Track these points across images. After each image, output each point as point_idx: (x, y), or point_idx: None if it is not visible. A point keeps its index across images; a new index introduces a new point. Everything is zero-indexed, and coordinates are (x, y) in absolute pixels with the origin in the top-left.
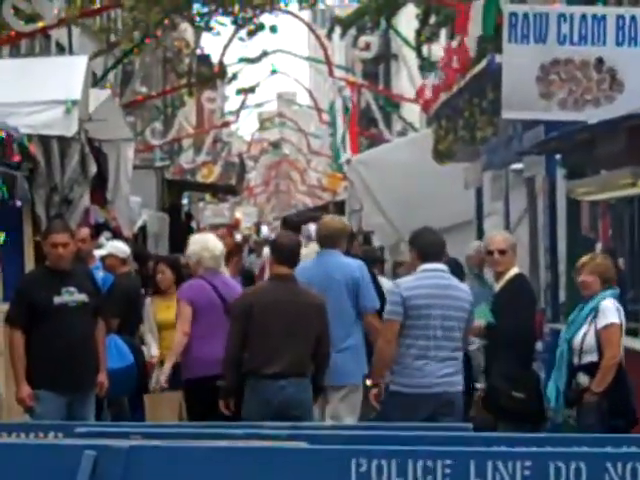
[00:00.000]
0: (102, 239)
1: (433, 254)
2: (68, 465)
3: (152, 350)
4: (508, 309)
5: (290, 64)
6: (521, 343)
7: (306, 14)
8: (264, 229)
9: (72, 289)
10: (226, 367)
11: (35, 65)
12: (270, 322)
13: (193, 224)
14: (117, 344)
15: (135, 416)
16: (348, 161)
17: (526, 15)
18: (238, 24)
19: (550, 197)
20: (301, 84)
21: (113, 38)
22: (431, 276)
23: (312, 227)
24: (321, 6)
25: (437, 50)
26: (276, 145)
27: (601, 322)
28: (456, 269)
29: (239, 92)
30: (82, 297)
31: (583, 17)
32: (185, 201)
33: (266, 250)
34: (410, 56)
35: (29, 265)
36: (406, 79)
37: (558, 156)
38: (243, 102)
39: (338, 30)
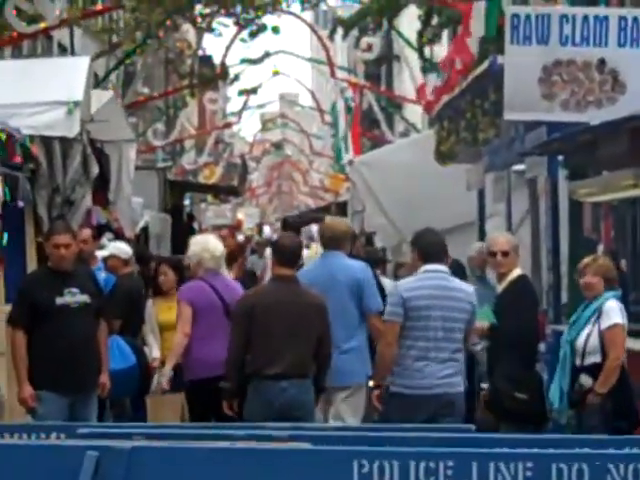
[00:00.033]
0: (104, 240)
1: (434, 255)
2: (70, 466)
3: (153, 352)
4: (511, 310)
5: (292, 65)
6: (524, 344)
7: (308, 15)
8: (266, 230)
9: (74, 290)
10: (229, 368)
11: (37, 66)
12: (272, 323)
13: (195, 225)
14: (119, 345)
15: (137, 417)
16: (350, 162)
17: (528, 16)
18: (240, 25)
19: (552, 198)
20: (303, 85)
21: (115, 39)
22: (432, 277)
23: (314, 228)
24: (323, 7)
25: (439, 51)
26: (278, 146)
27: (605, 323)
28: (458, 270)
29: (241, 93)
30: (84, 298)
31: (585, 18)
32: (187, 202)
33: (268, 251)
34: (412, 57)
35: (31, 266)
36: (408, 80)
37: (560, 157)
38: (245, 103)
39: (340, 31)
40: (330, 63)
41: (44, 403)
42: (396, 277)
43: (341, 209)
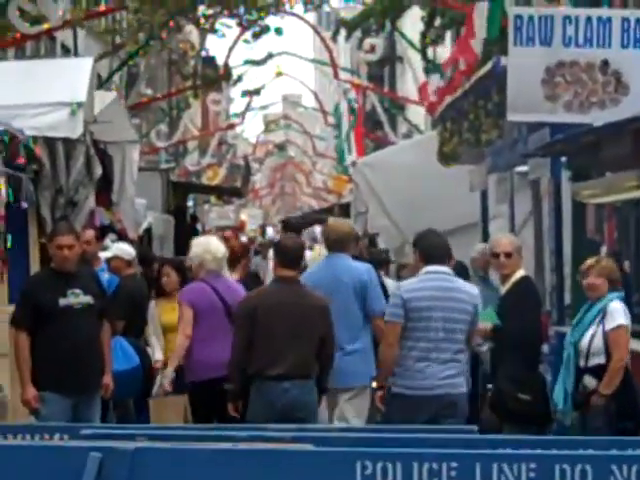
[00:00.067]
0: (107, 241)
1: (436, 256)
2: (73, 467)
3: (156, 354)
4: (514, 312)
5: (295, 66)
6: (527, 345)
7: (311, 16)
8: (269, 231)
9: (77, 291)
10: (232, 370)
11: (40, 67)
12: (274, 324)
13: (198, 226)
14: (123, 346)
15: (140, 418)
16: (353, 163)
17: (531, 17)
18: (243, 26)
19: (555, 199)
20: (306, 86)
21: (118, 40)
22: (433, 278)
23: (317, 229)
24: (326, 8)
25: (442, 52)
26: (281, 147)
27: (609, 324)
28: (461, 271)
29: (244, 94)
30: (87, 299)
31: (588, 19)
32: (190, 203)
33: (271, 252)
34: (415, 58)
35: (34, 267)
36: (411, 81)
37: (563, 158)
38: (248, 104)
39: (343, 32)
40: (333, 64)
41: (47, 404)
42: (399, 278)
43: (344, 210)
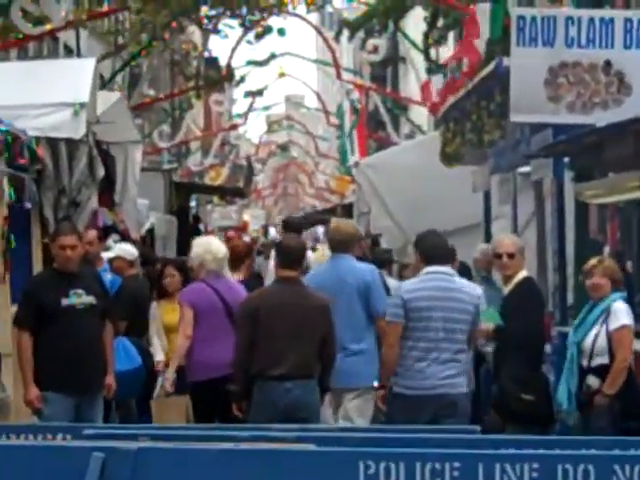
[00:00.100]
0: (110, 241)
1: (437, 257)
2: (76, 467)
3: (157, 356)
4: (517, 312)
5: (298, 67)
6: (530, 346)
7: (314, 17)
8: (272, 231)
9: (80, 291)
10: (235, 370)
11: (43, 67)
12: (276, 324)
13: (201, 227)
14: (125, 346)
15: (143, 418)
16: (356, 164)
17: (534, 18)
18: (246, 27)
19: (558, 200)
20: (309, 87)
21: (121, 41)
22: (433, 278)
23: (320, 230)
24: (329, 9)
25: (445, 53)
26: (284, 148)
27: (613, 324)
28: (464, 272)
29: (247, 95)
30: (90, 299)
31: (591, 20)
32: (193, 204)
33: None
34: (418, 59)
35: (37, 267)
36: (414, 82)
37: (566, 159)
38: (251, 105)
39: (346, 33)
40: (336, 65)
41: (50, 404)
42: (401, 278)
43: (347, 211)
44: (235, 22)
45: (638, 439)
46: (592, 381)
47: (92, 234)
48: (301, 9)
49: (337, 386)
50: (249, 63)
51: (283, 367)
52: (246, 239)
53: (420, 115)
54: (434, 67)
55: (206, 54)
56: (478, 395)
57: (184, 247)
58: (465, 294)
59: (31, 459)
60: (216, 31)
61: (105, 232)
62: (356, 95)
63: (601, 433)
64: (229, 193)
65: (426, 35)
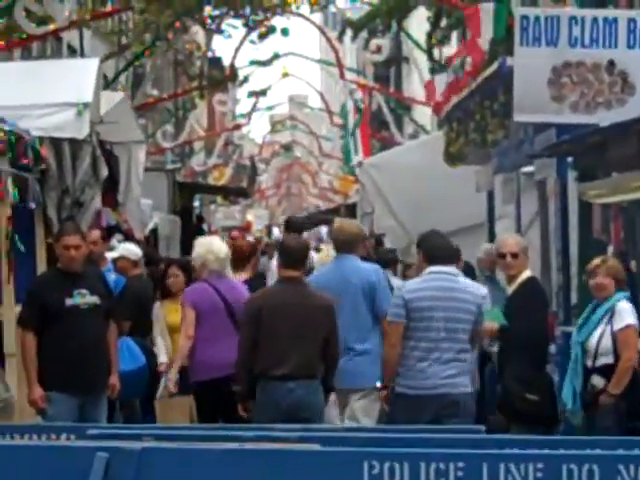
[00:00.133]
0: (114, 241)
1: (439, 257)
2: (80, 467)
3: (161, 357)
4: (521, 312)
5: (301, 67)
6: (534, 346)
7: (317, 17)
8: (275, 231)
9: (84, 291)
10: (239, 370)
11: (46, 67)
12: (279, 324)
13: (204, 227)
14: (129, 346)
15: (147, 418)
16: (359, 164)
17: (537, 18)
18: (249, 27)
19: (562, 200)
20: (312, 87)
21: (124, 41)
22: (435, 278)
23: (323, 230)
24: (332, 9)
25: (448, 53)
26: (287, 148)
27: (618, 324)
28: (468, 272)
29: (250, 95)
30: (94, 299)
31: (594, 20)
32: (196, 204)
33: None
34: (421, 59)
35: (41, 267)
36: (417, 82)
37: (570, 159)
38: (254, 105)
39: (349, 33)
40: (339, 65)
41: (54, 404)
42: (404, 278)
43: (350, 211)
44: (238, 22)
45: None
46: (597, 381)
47: (96, 234)
48: (304, 9)
49: (343, 387)
50: (252, 63)
51: (286, 367)
52: (250, 239)
53: (423, 115)
54: (437, 67)
55: (209, 54)
56: (483, 395)
57: (188, 247)
58: (468, 294)
59: (35, 459)
60: (219, 31)
61: (109, 232)
62: (359, 95)
63: (607, 433)
64: (232, 193)
65: (429, 35)
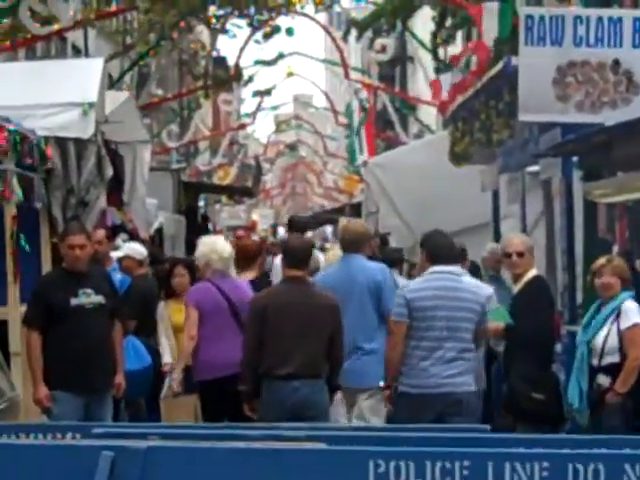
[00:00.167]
0: (119, 241)
1: (442, 256)
2: (86, 466)
3: (165, 357)
4: (527, 311)
5: (306, 66)
6: (540, 345)
7: (322, 16)
8: (281, 231)
9: (89, 291)
10: (243, 370)
11: (51, 67)
12: (283, 324)
13: (209, 226)
14: (134, 345)
15: (152, 417)
16: (364, 163)
17: (542, 17)
18: (254, 26)
19: (567, 199)
20: (317, 86)
21: (129, 40)
22: (438, 278)
23: (328, 229)
24: (337, 8)
25: (453, 52)
26: (292, 147)
27: (624, 323)
28: (474, 271)
29: (255, 94)
30: (99, 299)
31: (599, 19)
32: (201, 203)
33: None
34: (426, 58)
35: (46, 267)
36: (422, 81)
37: (575, 158)
38: (259, 104)
39: (354, 32)
40: (344, 64)
41: (59, 403)
42: (410, 277)
43: (355, 210)
44: (243, 22)
45: None
46: (603, 380)
47: (101, 233)
48: (309, 9)
49: (350, 386)
50: (257, 63)
51: (290, 366)
52: (255, 238)
53: (429, 114)
54: (442, 66)
55: (214, 54)
56: (489, 394)
57: (193, 246)
58: (471, 293)
59: (40, 458)
60: (224, 31)
61: (114, 231)
62: (364, 94)
63: (613, 432)
64: (237, 192)
65: (434, 34)
